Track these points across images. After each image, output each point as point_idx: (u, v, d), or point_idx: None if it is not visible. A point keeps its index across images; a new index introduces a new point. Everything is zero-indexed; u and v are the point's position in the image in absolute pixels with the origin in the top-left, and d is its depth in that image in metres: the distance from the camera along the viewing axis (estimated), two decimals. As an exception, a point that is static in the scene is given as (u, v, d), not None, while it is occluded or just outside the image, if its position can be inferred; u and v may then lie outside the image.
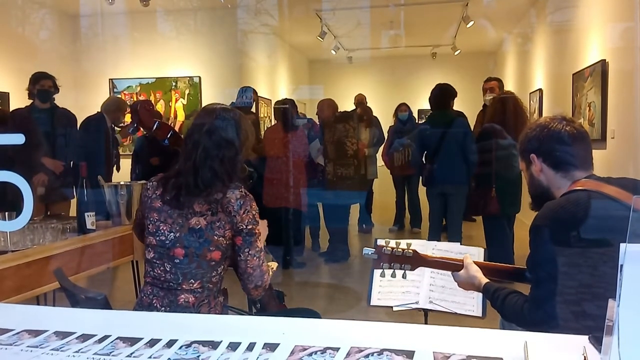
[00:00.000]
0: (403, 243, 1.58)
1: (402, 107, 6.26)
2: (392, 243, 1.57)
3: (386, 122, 6.98)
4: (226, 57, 7.06)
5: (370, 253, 1.56)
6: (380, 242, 1.59)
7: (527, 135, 1.60)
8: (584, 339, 1.05)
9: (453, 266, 1.64)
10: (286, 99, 5.37)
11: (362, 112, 6.15)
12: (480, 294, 1.81)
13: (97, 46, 7.12)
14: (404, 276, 1.59)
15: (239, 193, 1.69)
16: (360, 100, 6.07)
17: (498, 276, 1.62)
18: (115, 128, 4.60)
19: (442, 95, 4.27)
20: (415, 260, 1.56)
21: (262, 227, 1.77)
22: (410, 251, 1.55)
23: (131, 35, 7.09)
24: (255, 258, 1.71)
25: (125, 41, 7.08)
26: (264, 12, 7.36)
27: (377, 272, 1.68)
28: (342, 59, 9.71)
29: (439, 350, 1.03)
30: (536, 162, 1.56)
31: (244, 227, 1.68)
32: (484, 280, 1.57)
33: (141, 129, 2.85)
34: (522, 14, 7.55)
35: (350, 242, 5.14)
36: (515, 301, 1.48)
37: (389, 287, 1.91)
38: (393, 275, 1.56)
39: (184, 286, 1.66)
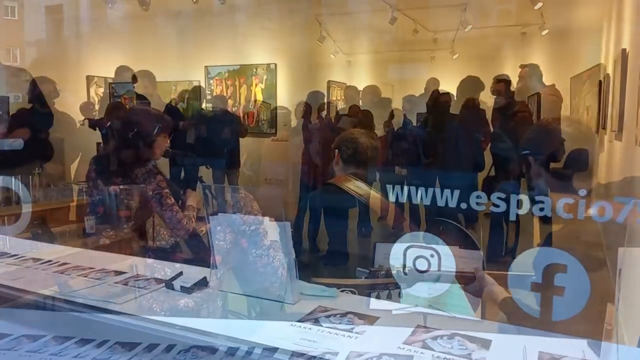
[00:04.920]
0: (398, 263, 1.46)
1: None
2: (388, 265, 1.47)
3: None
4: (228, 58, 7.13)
5: (364, 278, 1.48)
6: (377, 260, 1.50)
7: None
8: (582, 343, 1.05)
9: (459, 278, 1.60)
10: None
11: (362, 115, 6.14)
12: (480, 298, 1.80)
13: (98, 49, 7.12)
14: (400, 295, 1.53)
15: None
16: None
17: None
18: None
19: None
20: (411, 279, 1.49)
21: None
22: (406, 272, 1.47)
23: (133, 38, 7.11)
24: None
25: (126, 43, 7.09)
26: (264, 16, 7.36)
27: (372, 294, 1.57)
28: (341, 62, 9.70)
29: (439, 355, 1.03)
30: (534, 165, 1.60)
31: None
32: (502, 295, 1.46)
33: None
34: (521, 17, 7.55)
35: (349, 246, 5.11)
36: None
37: (388, 291, 1.88)
38: (389, 297, 1.50)
39: (183, 290, 1.66)
